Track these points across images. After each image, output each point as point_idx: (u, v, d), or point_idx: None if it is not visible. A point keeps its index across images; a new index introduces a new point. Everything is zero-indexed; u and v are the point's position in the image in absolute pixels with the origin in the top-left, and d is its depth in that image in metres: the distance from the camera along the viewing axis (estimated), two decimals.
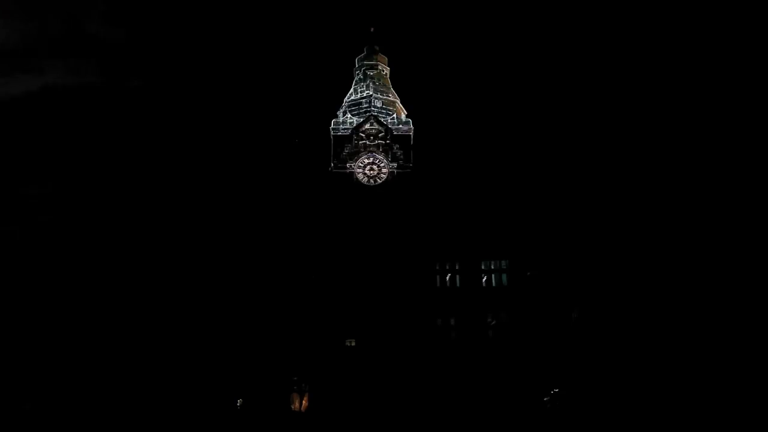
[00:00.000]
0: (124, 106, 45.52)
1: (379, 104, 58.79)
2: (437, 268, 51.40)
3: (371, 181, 54.29)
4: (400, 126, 56.37)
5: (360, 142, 55.21)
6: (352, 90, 60.86)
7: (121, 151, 51.07)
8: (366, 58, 61.66)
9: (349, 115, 56.96)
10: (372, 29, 62.69)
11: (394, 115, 57.96)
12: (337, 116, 57.25)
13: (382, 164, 54.61)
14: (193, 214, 49.08)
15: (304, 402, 47.53)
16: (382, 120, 56.42)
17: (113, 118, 47.11)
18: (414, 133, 56.06)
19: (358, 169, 54.42)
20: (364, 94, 59.51)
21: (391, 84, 61.79)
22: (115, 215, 48.71)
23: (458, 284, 51.10)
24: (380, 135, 55.44)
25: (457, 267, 51.27)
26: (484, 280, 51.11)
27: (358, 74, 61.46)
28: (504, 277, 51.03)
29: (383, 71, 61.61)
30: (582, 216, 51.55)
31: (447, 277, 51.44)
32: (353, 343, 49.79)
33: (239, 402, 46.89)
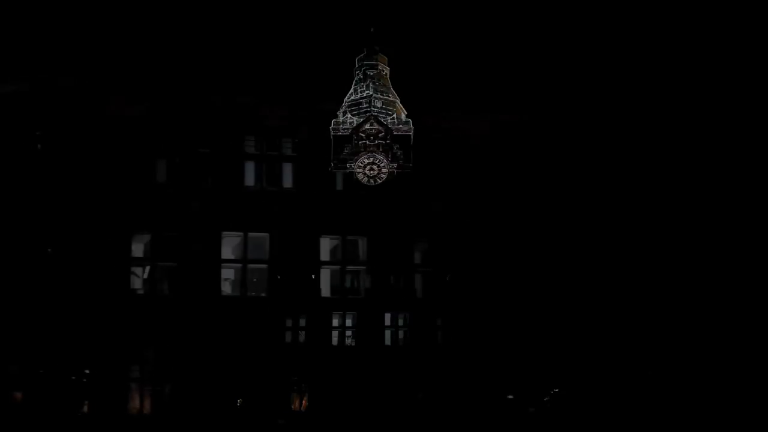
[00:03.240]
0: (117, 108, 45.44)
1: (379, 104, 58.54)
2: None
3: (371, 181, 54.19)
4: (400, 126, 56.20)
5: (360, 142, 55.04)
6: (352, 90, 60.68)
7: (114, 152, 50.42)
8: (366, 58, 61.36)
9: (349, 116, 56.83)
10: (372, 29, 62.54)
11: (394, 115, 57.78)
12: (337, 116, 57.10)
13: (382, 164, 54.49)
14: (191, 214, 49.04)
15: (303, 402, 47.60)
16: (382, 120, 56.28)
17: (104, 118, 46.85)
18: (414, 133, 55.94)
19: (358, 169, 54.32)
20: (364, 95, 59.32)
21: (391, 84, 61.62)
22: (109, 216, 48.36)
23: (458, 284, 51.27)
24: (380, 135, 55.31)
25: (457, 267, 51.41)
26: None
27: (358, 74, 61.18)
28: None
29: (383, 71, 61.30)
30: (580, 214, 51.67)
31: (447, 278, 51.52)
32: (353, 343, 49.85)
33: (239, 402, 46.92)
